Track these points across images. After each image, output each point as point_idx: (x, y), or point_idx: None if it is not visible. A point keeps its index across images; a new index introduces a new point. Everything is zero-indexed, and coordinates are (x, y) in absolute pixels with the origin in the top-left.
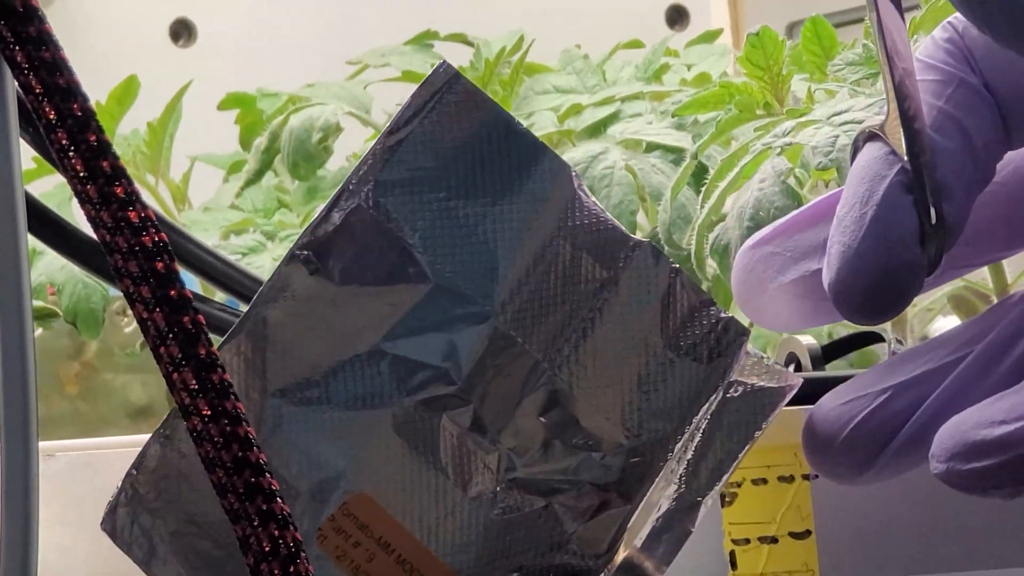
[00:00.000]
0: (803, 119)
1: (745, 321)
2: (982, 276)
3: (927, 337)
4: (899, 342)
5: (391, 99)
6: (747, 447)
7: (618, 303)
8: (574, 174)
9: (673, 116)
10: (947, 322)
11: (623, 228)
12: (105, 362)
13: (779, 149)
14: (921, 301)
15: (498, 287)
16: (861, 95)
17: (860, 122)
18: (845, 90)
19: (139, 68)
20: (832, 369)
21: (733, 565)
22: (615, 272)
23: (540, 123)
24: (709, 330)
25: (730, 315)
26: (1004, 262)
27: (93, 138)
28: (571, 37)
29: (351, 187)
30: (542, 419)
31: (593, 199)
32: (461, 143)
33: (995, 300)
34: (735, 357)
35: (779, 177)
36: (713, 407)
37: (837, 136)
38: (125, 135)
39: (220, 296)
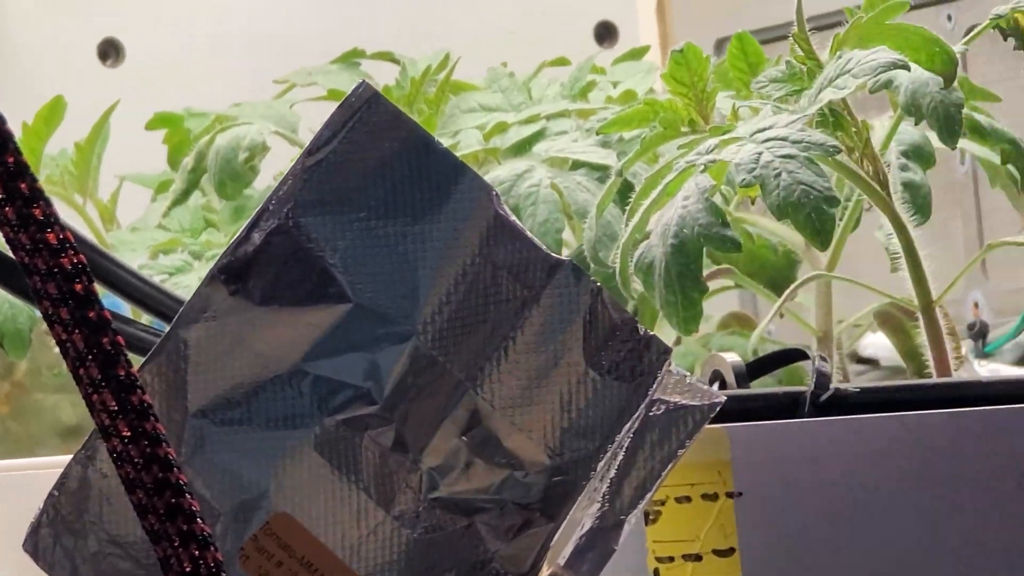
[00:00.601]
0: (726, 136)
1: (669, 339)
2: (908, 292)
3: (855, 353)
4: (823, 359)
5: (319, 118)
6: (670, 465)
7: (539, 322)
8: (494, 194)
9: (598, 134)
10: (875, 339)
11: (544, 247)
12: (35, 382)
13: (703, 166)
14: (848, 318)
15: (419, 307)
16: (785, 111)
17: (784, 139)
18: (769, 107)
19: (67, 88)
20: (757, 386)
21: None
22: (536, 291)
23: (466, 141)
24: (631, 349)
25: (653, 334)
26: (929, 278)
27: (11, 160)
28: (499, 55)
29: (271, 207)
30: (464, 438)
31: (514, 218)
32: (381, 163)
33: (920, 317)
34: (657, 376)
35: (703, 194)
36: (636, 425)
37: (760, 153)
38: (53, 155)
39: (147, 318)
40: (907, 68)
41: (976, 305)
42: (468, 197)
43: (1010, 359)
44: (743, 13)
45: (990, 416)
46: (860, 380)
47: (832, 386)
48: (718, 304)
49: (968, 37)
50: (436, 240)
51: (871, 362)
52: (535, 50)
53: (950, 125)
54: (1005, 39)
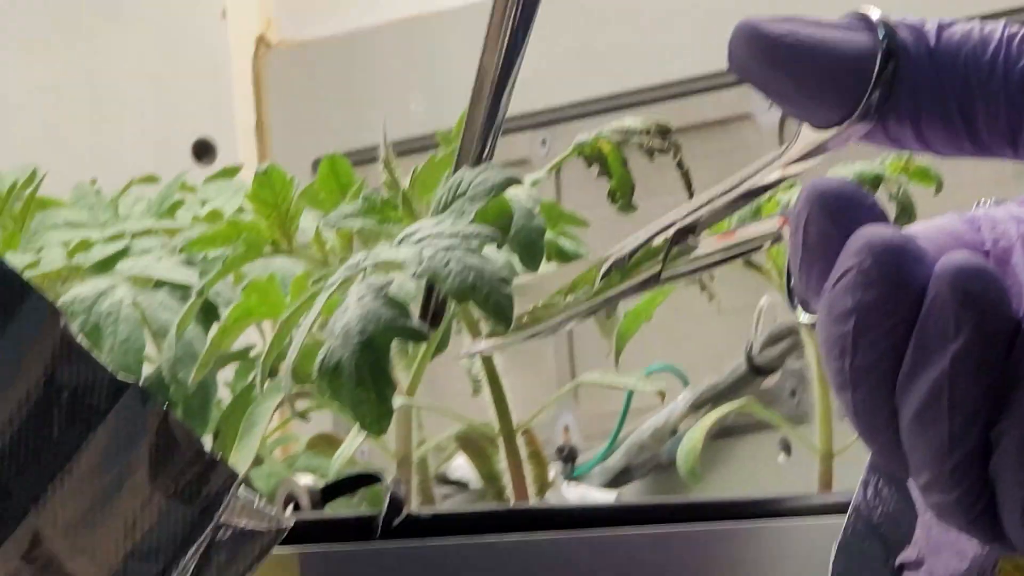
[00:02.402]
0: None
1: (244, 464)
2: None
3: (444, 475)
4: (398, 483)
5: None
6: None
7: (104, 444)
8: (61, 315)
9: (181, 252)
10: (463, 461)
11: (109, 370)
12: None
13: (368, 270)
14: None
15: None
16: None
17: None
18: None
19: None
20: (333, 508)
21: None
22: (101, 414)
23: (49, 258)
24: (198, 472)
25: (220, 457)
26: (516, 401)
27: None
28: (92, 170)
29: None
30: (25, 560)
31: (80, 341)
32: None
33: (501, 442)
34: (223, 500)
35: (380, 291)
36: (202, 549)
37: (422, 250)
38: None
39: None
40: (519, 182)
41: (566, 429)
42: (34, 318)
43: (598, 482)
44: (341, 134)
45: (564, 542)
46: (447, 503)
47: (406, 510)
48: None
49: (550, 166)
50: (0, 362)
51: (460, 484)
52: (128, 167)
53: (531, 251)
54: (588, 166)
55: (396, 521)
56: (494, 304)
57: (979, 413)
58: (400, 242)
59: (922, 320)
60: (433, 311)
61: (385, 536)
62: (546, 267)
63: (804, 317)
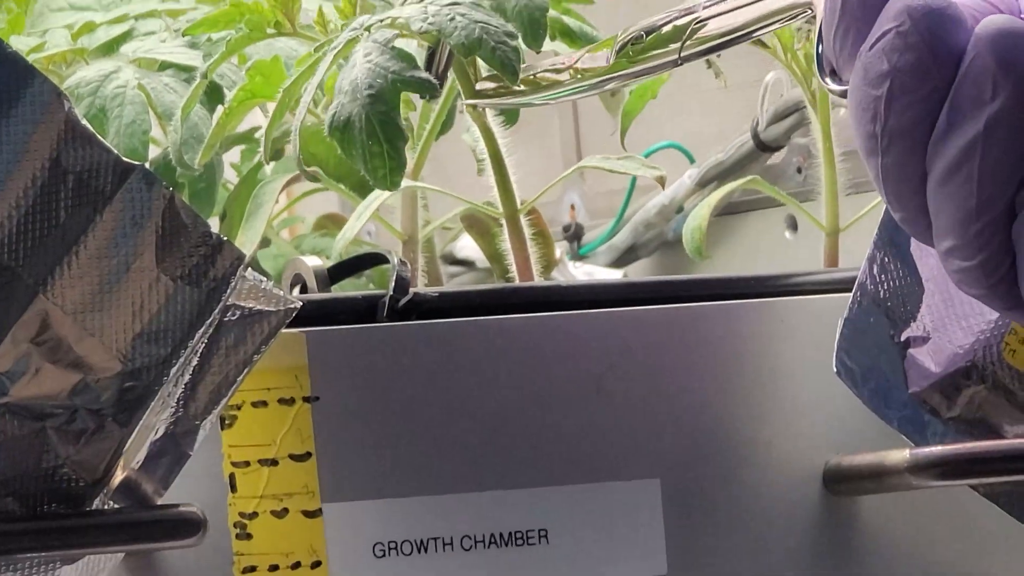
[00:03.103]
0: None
1: (250, 246)
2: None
3: (451, 255)
4: (403, 263)
5: None
6: (245, 371)
7: (111, 227)
8: (65, 98)
9: (184, 35)
10: (469, 241)
11: (115, 152)
12: None
13: (374, 26)
14: (434, 220)
15: None
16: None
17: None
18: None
19: None
20: (339, 289)
21: (233, 488)
22: (107, 196)
23: (53, 41)
24: (204, 255)
25: (226, 239)
26: (520, 182)
27: None
28: None
29: None
30: (34, 343)
31: (85, 123)
32: None
33: (506, 222)
34: (230, 282)
35: (386, 45)
36: (210, 331)
37: (427, 6)
38: None
39: None
40: None
41: (572, 207)
42: (38, 101)
43: (604, 261)
44: None
45: (568, 321)
46: (453, 282)
47: (412, 290)
48: (315, 205)
49: None
50: (4, 145)
51: (467, 263)
52: None
53: (534, 28)
54: None
55: (402, 301)
56: (500, 57)
57: (1010, 178)
58: (403, 3)
59: (959, 82)
60: (437, 70)
61: (391, 317)
62: (550, 46)
63: (832, 85)
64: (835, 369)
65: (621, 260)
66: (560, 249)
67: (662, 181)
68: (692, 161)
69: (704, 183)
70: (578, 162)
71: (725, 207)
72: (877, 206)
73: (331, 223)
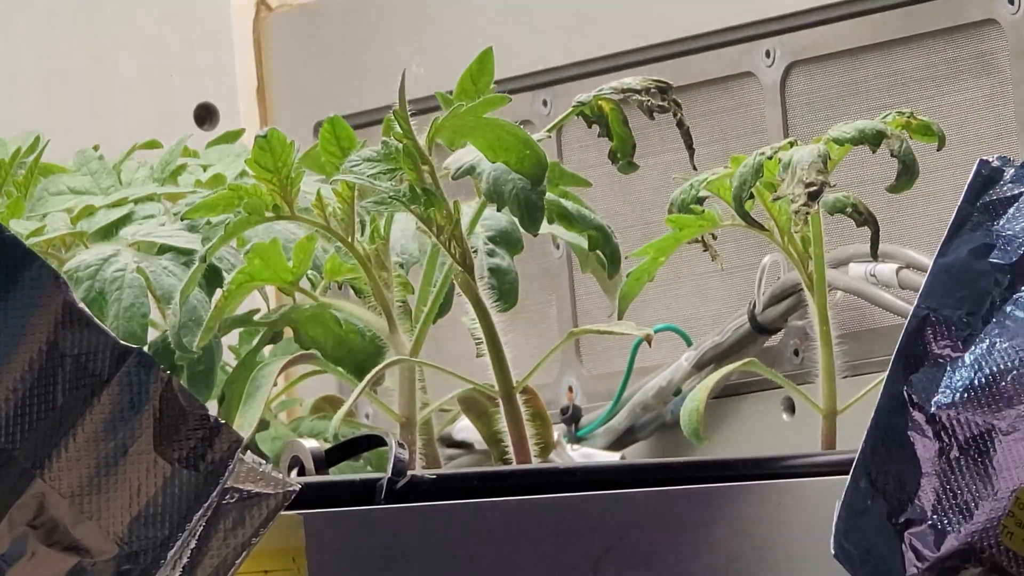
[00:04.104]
0: None
1: (247, 428)
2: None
3: (449, 437)
4: (401, 445)
5: None
6: (244, 553)
7: (108, 410)
8: (63, 281)
9: (183, 219)
10: (467, 423)
11: (113, 335)
12: None
13: None
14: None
15: None
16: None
17: None
18: None
19: None
20: (337, 472)
21: None
22: (105, 379)
23: (53, 224)
24: (202, 438)
25: (224, 423)
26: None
27: None
28: (95, 136)
29: None
30: (31, 526)
31: (83, 306)
32: None
33: (499, 401)
34: (228, 465)
35: None
36: (209, 514)
37: None
38: None
39: None
40: None
41: (570, 389)
42: (36, 285)
43: (602, 443)
44: (342, 97)
45: (565, 503)
46: (452, 464)
47: (410, 473)
48: (311, 388)
49: (550, 126)
50: (2, 329)
51: (465, 445)
52: (131, 132)
53: (531, 212)
54: (589, 126)
55: (399, 484)
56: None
57: None
58: None
59: None
60: None
61: (389, 499)
62: (548, 228)
63: None
64: (832, 552)
65: (619, 442)
66: (558, 431)
67: (649, 339)
68: (689, 343)
69: (701, 365)
70: (576, 351)
71: (723, 389)
72: (875, 388)
73: (329, 405)
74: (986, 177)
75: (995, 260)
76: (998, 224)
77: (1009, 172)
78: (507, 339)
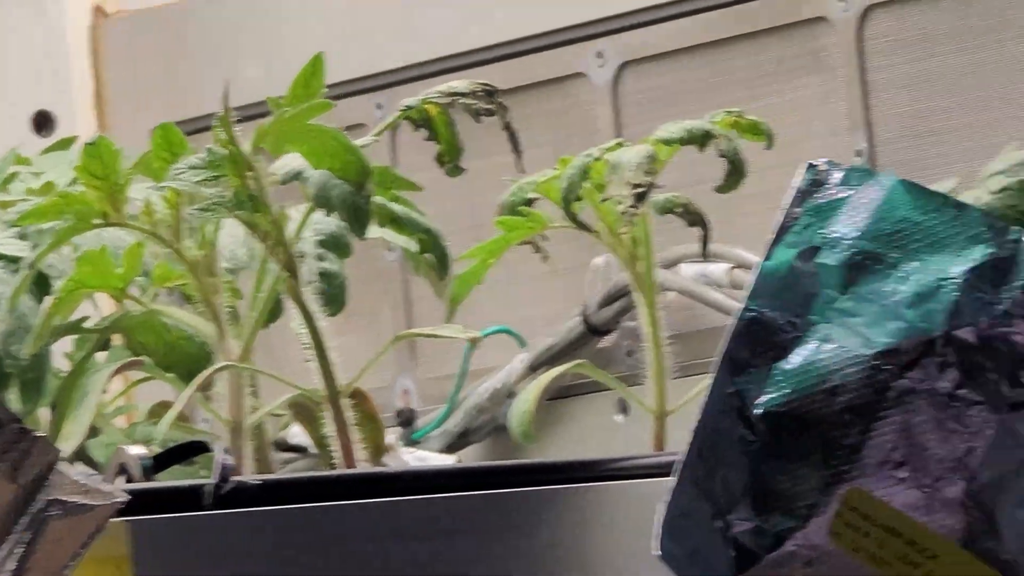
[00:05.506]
0: None
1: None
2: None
3: (284, 441)
4: (227, 452)
5: None
6: (72, 563)
7: None
8: None
9: (13, 226)
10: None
11: None
12: None
13: None
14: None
15: None
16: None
17: None
18: None
19: None
20: (164, 478)
21: None
22: None
23: None
24: (22, 450)
25: (41, 435)
26: (346, 367)
27: None
28: None
29: None
30: None
31: None
32: None
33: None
34: (45, 477)
35: None
36: (35, 526)
37: None
38: None
39: None
40: None
41: (405, 392)
42: None
43: (438, 446)
44: (180, 103)
45: (390, 507)
46: (286, 469)
47: (235, 479)
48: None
49: (376, 131)
50: None
51: (300, 450)
52: None
53: (358, 216)
54: (416, 129)
55: (225, 489)
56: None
57: None
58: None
59: None
60: None
61: (215, 505)
62: (378, 232)
63: None
64: (656, 553)
65: (455, 445)
66: (393, 435)
67: (473, 341)
68: (523, 345)
69: (536, 367)
70: (411, 353)
71: (558, 390)
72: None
73: (165, 411)
74: (812, 180)
75: (821, 262)
76: (824, 226)
77: (836, 175)
78: (340, 343)
